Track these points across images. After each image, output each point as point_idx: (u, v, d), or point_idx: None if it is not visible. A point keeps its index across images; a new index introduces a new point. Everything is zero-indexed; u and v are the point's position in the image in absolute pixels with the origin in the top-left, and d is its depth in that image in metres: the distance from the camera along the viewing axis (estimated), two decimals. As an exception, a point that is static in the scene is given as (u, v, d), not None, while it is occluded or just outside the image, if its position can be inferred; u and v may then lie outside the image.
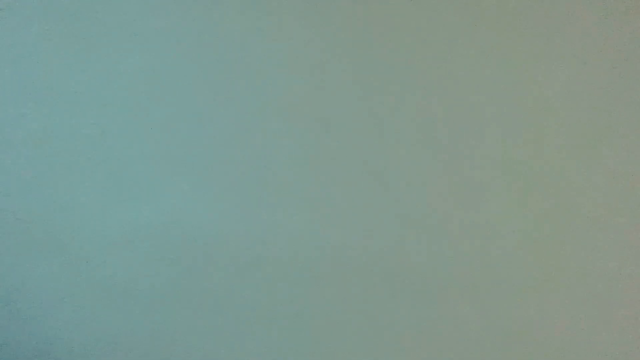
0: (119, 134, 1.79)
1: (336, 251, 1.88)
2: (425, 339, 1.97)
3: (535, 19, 1.62)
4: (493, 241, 1.82)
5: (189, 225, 1.87)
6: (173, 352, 2.04)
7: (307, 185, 1.80)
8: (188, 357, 2.05)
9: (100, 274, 1.96)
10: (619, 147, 1.70)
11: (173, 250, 1.92)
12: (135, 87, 1.74)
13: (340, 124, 1.74)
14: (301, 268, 1.91)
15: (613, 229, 1.76)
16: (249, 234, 1.87)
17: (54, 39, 1.67)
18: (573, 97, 1.66)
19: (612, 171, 1.70)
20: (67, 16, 1.67)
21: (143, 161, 1.82)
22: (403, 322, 1.98)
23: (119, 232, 1.90)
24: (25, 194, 1.87)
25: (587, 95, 1.66)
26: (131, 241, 1.91)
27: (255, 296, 1.96)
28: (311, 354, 2.04)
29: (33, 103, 1.76)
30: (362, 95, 1.71)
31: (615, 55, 1.59)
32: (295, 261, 1.91)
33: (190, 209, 1.85)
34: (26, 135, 1.79)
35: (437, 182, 1.76)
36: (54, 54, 1.69)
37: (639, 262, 1.77)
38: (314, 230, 1.86)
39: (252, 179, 1.81)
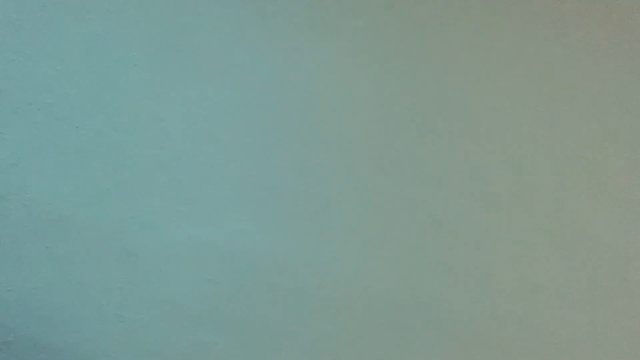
0: (192, 157, 1.87)
1: (379, 291, 1.90)
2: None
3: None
4: (541, 301, 1.81)
5: (241, 250, 1.93)
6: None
7: (364, 225, 1.84)
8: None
9: (151, 287, 2.02)
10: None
11: (223, 273, 1.97)
12: (210, 115, 1.83)
13: (401, 169, 1.79)
14: (345, 305, 1.93)
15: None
16: (300, 265, 1.92)
17: (141, 66, 1.77)
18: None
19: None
20: (154, 48, 1.78)
21: (210, 184, 1.89)
22: None
23: (173, 250, 1.97)
24: (93, 204, 1.96)
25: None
26: (185, 260, 1.97)
27: (297, 327, 1.99)
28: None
29: (113, 121, 1.86)
30: (423, 142, 1.77)
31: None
32: (338, 295, 1.93)
33: (246, 235, 1.92)
34: (103, 150, 1.89)
35: (490, 237, 1.79)
36: (138, 79, 1.79)
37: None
38: (363, 269, 1.89)
39: (311, 213, 1.87)
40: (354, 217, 1.84)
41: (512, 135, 1.73)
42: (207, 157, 1.87)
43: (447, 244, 1.82)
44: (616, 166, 1.69)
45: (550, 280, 1.81)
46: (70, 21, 1.79)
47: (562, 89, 1.67)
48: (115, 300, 2.02)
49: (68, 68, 1.82)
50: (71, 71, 1.82)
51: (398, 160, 1.79)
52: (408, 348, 1.97)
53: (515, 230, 1.78)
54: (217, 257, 1.94)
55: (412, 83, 1.73)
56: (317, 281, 1.92)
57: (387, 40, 1.71)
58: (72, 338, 2.08)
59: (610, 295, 1.80)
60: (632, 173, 1.69)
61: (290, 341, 2.00)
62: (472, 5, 1.67)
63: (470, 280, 1.85)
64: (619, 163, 1.69)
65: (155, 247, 1.95)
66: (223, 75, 1.79)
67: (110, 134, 1.88)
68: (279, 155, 1.84)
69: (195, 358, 2.06)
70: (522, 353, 1.89)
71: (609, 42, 1.61)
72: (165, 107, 1.84)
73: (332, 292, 1.93)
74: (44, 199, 1.96)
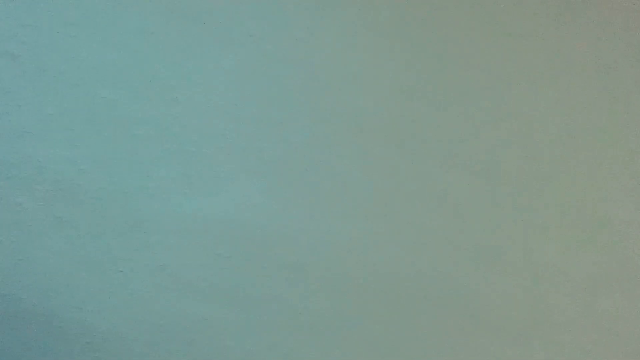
0: (203, 128, 1.86)
1: (386, 268, 1.90)
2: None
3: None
4: (553, 283, 1.80)
5: (251, 224, 1.92)
6: (214, 344, 2.07)
7: (374, 200, 1.83)
8: (228, 351, 2.07)
9: (158, 259, 2.02)
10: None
11: (230, 247, 1.97)
12: (223, 86, 1.81)
13: (411, 145, 1.77)
14: (351, 280, 1.93)
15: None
16: (306, 240, 1.91)
17: (157, 34, 1.76)
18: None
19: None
20: (171, 17, 1.76)
21: (221, 156, 1.88)
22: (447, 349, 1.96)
23: (182, 221, 1.96)
24: (104, 173, 1.95)
25: None
26: (192, 232, 1.97)
27: (301, 301, 1.99)
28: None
29: (126, 90, 1.84)
30: (434, 116, 1.75)
31: None
32: (345, 272, 1.93)
33: (255, 208, 1.91)
34: (115, 118, 1.88)
35: (506, 217, 1.77)
36: (153, 47, 1.78)
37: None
38: (370, 245, 1.89)
39: (318, 188, 1.86)
40: (364, 192, 1.83)
41: (526, 113, 1.71)
42: (219, 129, 1.86)
43: (457, 222, 1.82)
44: (633, 147, 1.67)
45: (560, 262, 1.81)
46: (86, -13, 1.78)
47: (579, 71, 1.65)
48: (122, 271, 2.01)
49: (83, 35, 1.81)
50: (86, 38, 1.81)
51: (409, 135, 1.78)
52: (414, 326, 1.96)
53: (526, 210, 1.77)
54: (226, 231, 1.93)
55: (425, 55, 1.70)
56: (328, 257, 1.92)
57: (402, 11, 1.68)
58: (79, 308, 2.07)
59: (622, 279, 1.78)
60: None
61: (298, 317, 2.00)
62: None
63: (479, 259, 1.84)
64: (636, 144, 1.66)
65: (164, 219, 1.94)
66: (238, 45, 1.78)
67: (123, 102, 1.87)
68: (291, 127, 1.83)
69: (199, 333, 2.06)
70: (529, 334, 1.89)
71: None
72: (179, 77, 1.83)
73: (342, 268, 1.92)
74: (55, 168, 1.95)
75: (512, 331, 1.96)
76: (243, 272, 1.98)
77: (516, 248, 1.83)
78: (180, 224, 1.95)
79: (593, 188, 1.73)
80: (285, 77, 1.79)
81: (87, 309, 2.08)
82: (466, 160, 1.77)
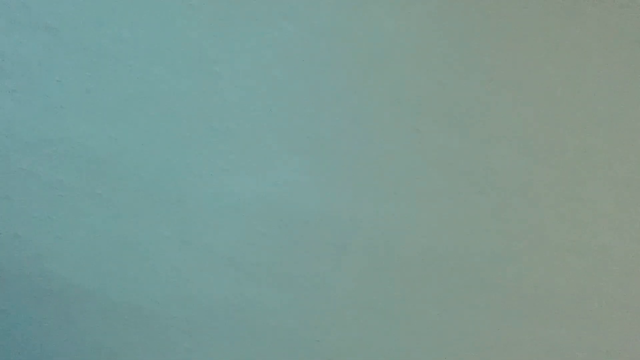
0: (245, 105, 1.82)
1: (430, 248, 1.87)
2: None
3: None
4: (603, 265, 1.77)
5: (294, 202, 1.89)
6: (256, 322, 2.05)
7: (419, 180, 1.79)
8: (271, 330, 2.06)
9: (201, 237, 2.00)
10: None
11: (273, 225, 1.94)
12: (266, 63, 1.77)
13: (458, 123, 1.72)
14: (395, 259, 1.90)
15: None
16: (350, 220, 1.88)
17: (197, 8, 1.71)
18: None
19: None
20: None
21: (264, 134, 1.84)
22: (491, 332, 1.94)
23: (224, 200, 1.93)
24: (145, 151, 1.92)
25: None
26: (235, 212, 1.94)
27: (344, 280, 1.97)
28: (391, 346, 2.02)
29: (167, 65, 1.80)
30: (480, 94, 1.69)
31: None
32: (389, 251, 1.90)
33: (300, 187, 1.87)
34: (156, 94, 1.84)
35: (557, 197, 1.72)
36: (193, 21, 1.73)
37: None
38: (415, 225, 1.85)
39: (362, 167, 1.82)
40: (410, 171, 1.79)
41: (580, 93, 1.65)
42: (262, 104, 1.81)
43: (505, 201, 1.77)
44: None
45: (612, 243, 1.77)
46: (125, -42, 1.74)
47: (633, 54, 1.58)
48: (164, 249, 1.99)
49: (122, 9, 1.77)
50: (125, 12, 1.77)
51: (457, 114, 1.73)
52: (459, 306, 1.94)
53: (577, 190, 1.72)
54: (269, 210, 1.90)
55: (472, 33, 1.64)
56: (372, 236, 1.88)
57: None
58: (121, 286, 2.06)
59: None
60: None
61: (341, 296, 1.97)
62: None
63: (528, 240, 1.81)
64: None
65: (206, 197, 1.91)
66: (282, 19, 1.72)
67: (164, 78, 1.83)
68: (336, 105, 1.78)
69: (242, 311, 2.04)
70: (578, 315, 1.86)
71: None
72: (221, 53, 1.78)
73: (386, 248, 1.89)
74: (95, 144, 1.92)
75: (561, 312, 1.91)
76: (286, 251, 1.95)
77: (566, 228, 1.78)
78: (223, 202, 1.92)
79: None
80: (331, 53, 1.74)
81: (128, 287, 2.07)
82: (515, 140, 1.71)
